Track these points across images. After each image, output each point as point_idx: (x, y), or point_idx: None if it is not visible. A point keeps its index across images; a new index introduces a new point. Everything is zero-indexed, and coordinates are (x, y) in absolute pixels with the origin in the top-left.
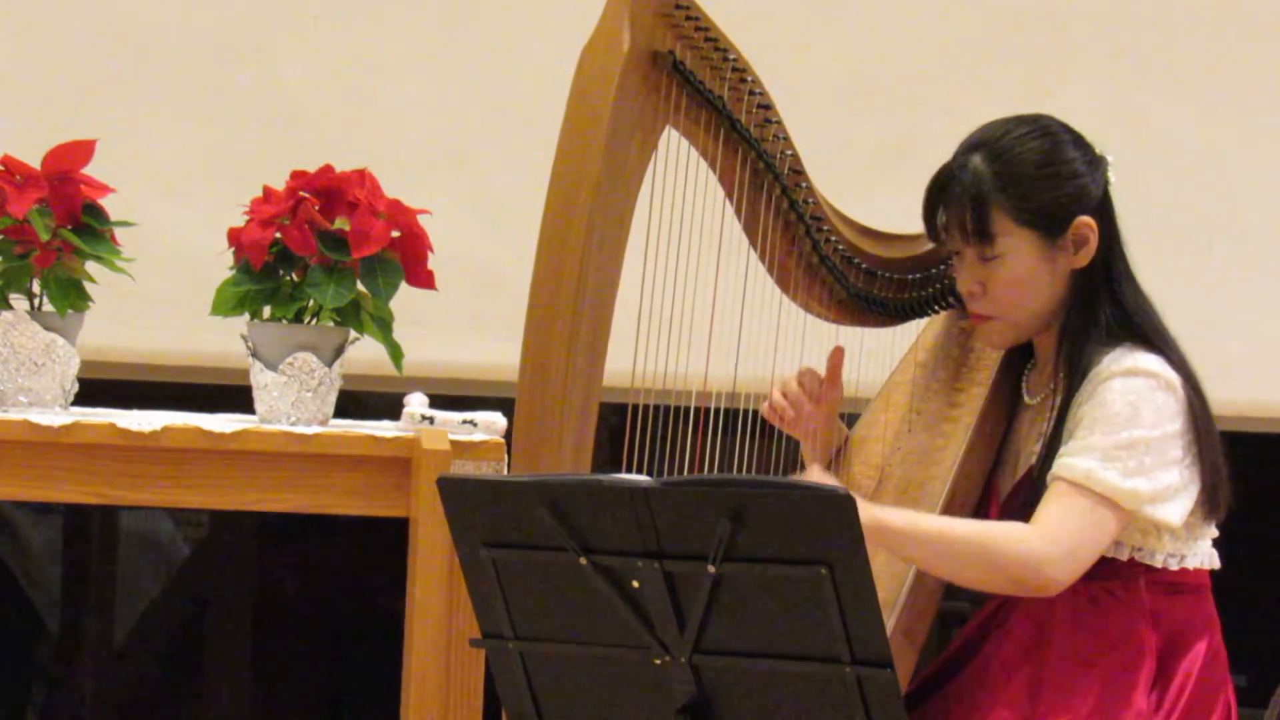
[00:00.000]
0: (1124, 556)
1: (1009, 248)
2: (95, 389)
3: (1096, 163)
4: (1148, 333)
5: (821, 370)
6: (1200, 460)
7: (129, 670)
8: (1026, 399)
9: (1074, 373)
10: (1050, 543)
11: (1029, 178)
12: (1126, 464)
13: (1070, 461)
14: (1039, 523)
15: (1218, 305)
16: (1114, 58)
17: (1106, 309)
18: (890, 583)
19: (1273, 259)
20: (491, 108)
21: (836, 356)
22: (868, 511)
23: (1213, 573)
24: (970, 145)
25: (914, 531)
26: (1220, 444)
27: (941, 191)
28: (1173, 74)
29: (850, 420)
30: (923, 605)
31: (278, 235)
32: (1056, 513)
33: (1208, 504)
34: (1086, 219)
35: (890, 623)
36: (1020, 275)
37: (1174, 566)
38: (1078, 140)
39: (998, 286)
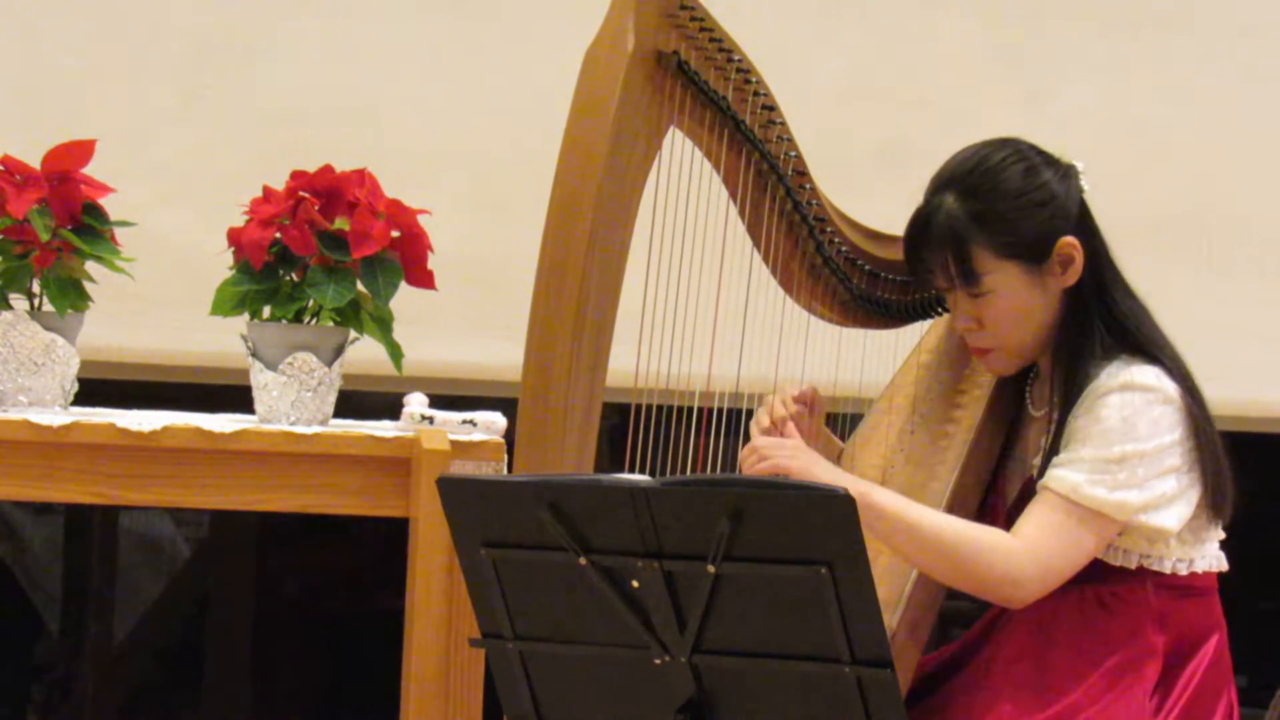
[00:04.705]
0: (1133, 565)
1: (997, 283)
2: (95, 389)
3: (1068, 175)
4: (1142, 342)
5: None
6: (1201, 465)
7: (129, 670)
8: (1032, 411)
9: (1071, 388)
10: (1029, 557)
11: (1006, 210)
12: (1116, 477)
13: (1059, 473)
14: (1021, 534)
15: (1217, 306)
16: (1112, 58)
17: (1099, 323)
18: (895, 579)
19: (1272, 259)
20: (493, 107)
21: (810, 395)
22: (857, 486)
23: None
24: (941, 184)
25: (899, 516)
26: (1221, 445)
27: (920, 237)
28: (1171, 75)
29: (853, 421)
30: (927, 602)
31: (278, 235)
32: (1038, 524)
33: (1212, 507)
34: (1069, 239)
35: (894, 619)
36: (1013, 306)
37: (1183, 571)
38: (1047, 159)
39: (993, 320)
